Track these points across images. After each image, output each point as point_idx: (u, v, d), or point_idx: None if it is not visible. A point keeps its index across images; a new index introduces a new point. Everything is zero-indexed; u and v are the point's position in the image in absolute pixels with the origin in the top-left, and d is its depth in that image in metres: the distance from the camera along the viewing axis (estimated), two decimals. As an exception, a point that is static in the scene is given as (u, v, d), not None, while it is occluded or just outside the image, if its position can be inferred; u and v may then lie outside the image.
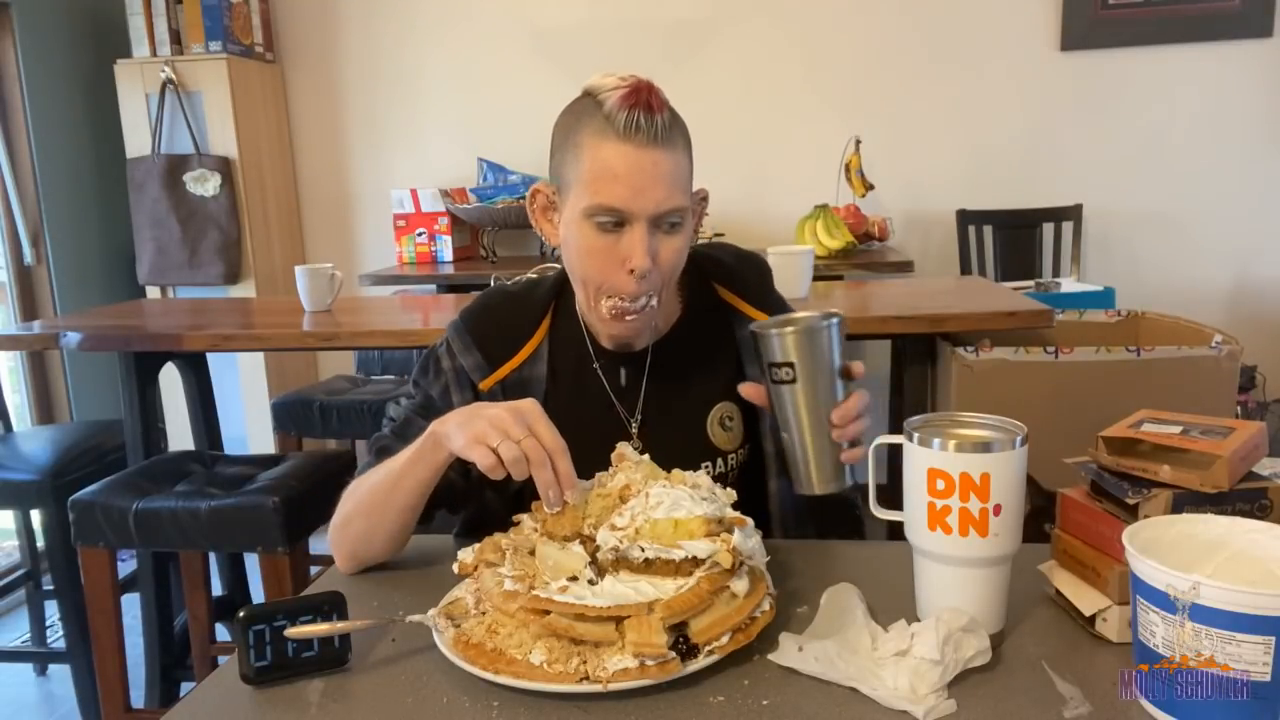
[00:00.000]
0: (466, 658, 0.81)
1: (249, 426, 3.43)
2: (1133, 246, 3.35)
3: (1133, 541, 0.74)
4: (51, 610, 2.72)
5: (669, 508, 0.86)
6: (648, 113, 1.00)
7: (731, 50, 3.45)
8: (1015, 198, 3.32)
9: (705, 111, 3.32)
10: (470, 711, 0.78)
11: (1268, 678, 0.67)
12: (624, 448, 0.99)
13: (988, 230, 3.31)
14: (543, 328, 1.17)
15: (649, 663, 0.77)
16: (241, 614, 0.83)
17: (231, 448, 2.61)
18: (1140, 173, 3.30)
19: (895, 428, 1.01)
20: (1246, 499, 0.83)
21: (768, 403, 0.99)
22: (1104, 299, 2.82)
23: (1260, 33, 3.17)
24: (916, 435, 0.83)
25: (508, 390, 1.14)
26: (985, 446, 0.81)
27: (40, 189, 3.23)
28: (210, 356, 2.56)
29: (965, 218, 3.30)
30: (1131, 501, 0.84)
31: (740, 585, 0.84)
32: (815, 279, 2.30)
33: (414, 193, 3.40)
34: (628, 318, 1.07)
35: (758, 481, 1.17)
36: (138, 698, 2.22)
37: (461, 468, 1.05)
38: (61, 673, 2.51)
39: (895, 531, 0.90)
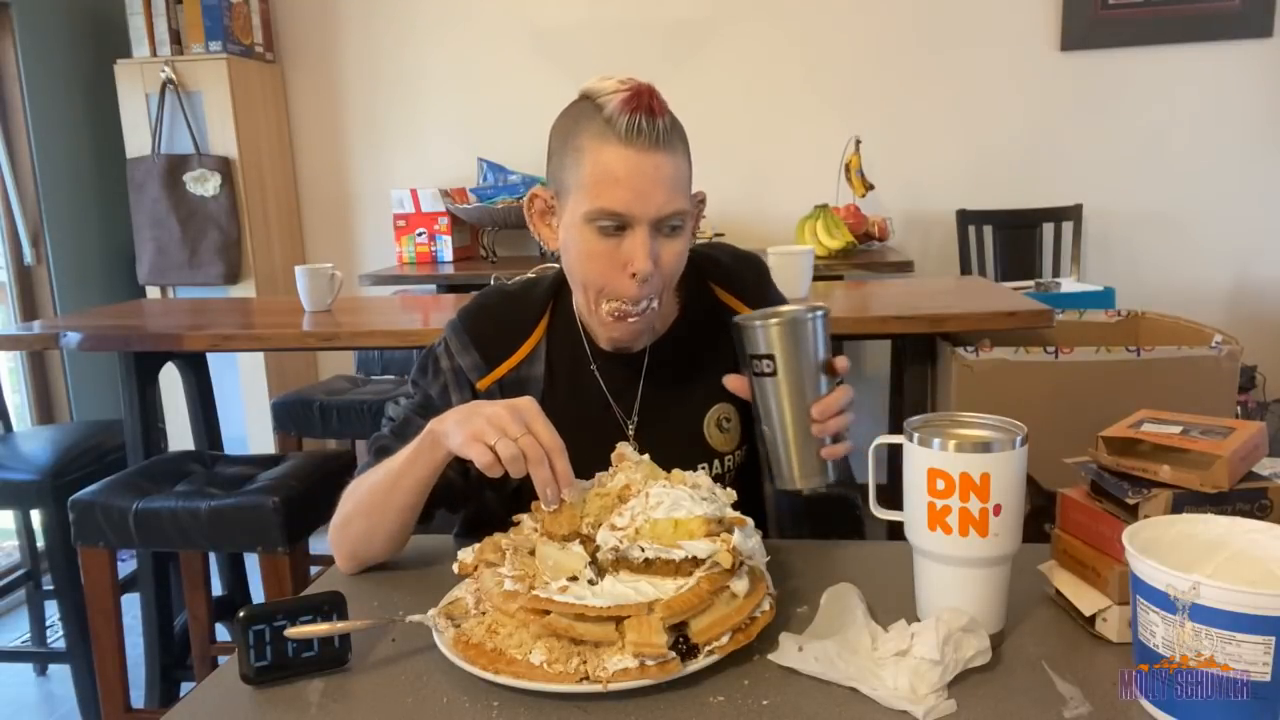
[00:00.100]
0: (466, 658, 0.81)
1: (249, 426, 3.43)
2: (1133, 246, 3.35)
3: (1133, 541, 0.74)
4: (51, 610, 2.72)
5: (669, 508, 0.86)
6: (649, 116, 1.00)
7: (731, 50, 3.45)
8: (1015, 198, 3.32)
9: (705, 111, 3.35)
10: (470, 711, 0.78)
11: (1268, 678, 0.67)
12: (624, 448, 0.98)
13: (988, 230, 3.31)
14: (540, 328, 1.17)
15: (649, 663, 0.77)
16: (241, 614, 0.83)
17: (231, 448, 2.61)
18: (1140, 173, 3.30)
19: (895, 428, 1.01)
20: (1246, 499, 0.83)
21: (750, 395, 0.99)
22: (1104, 299, 2.82)
23: (1260, 33, 3.17)
24: (916, 435, 0.83)
25: (505, 390, 1.14)
26: (985, 446, 0.81)
27: (40, 189, 3.23)
28: (210, 356, 2.56)
29: (965, 218, 3.30)
30: (1131, 501, 0.84)
31: (740, 585, 0.84)
32: (815, 279, 2.30)
33: (414, 193, 3.40)
34: (629, 320, 1.07)
35: (755, 483, 1.17)
36: (138, 698, 2.22)
37: (460, 466, 1.05)
38: (61, 673, 2.51)
39: (895, 531, 0.90)
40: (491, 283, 1.47)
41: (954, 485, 0.80)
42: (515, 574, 0.85)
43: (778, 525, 1.18)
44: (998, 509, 0.80)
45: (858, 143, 3.22)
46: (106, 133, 3.43)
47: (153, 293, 3.47)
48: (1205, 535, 0.78)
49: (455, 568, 0.94)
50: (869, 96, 3.40)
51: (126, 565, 2.49)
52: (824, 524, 1.18)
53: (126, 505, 1.85)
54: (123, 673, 2.03)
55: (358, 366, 3.25)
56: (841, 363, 0.99)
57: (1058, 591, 0.90)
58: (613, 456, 0.98)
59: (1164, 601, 0.69)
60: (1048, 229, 3.30)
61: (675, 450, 1.04)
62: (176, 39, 3.33)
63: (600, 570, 0.85)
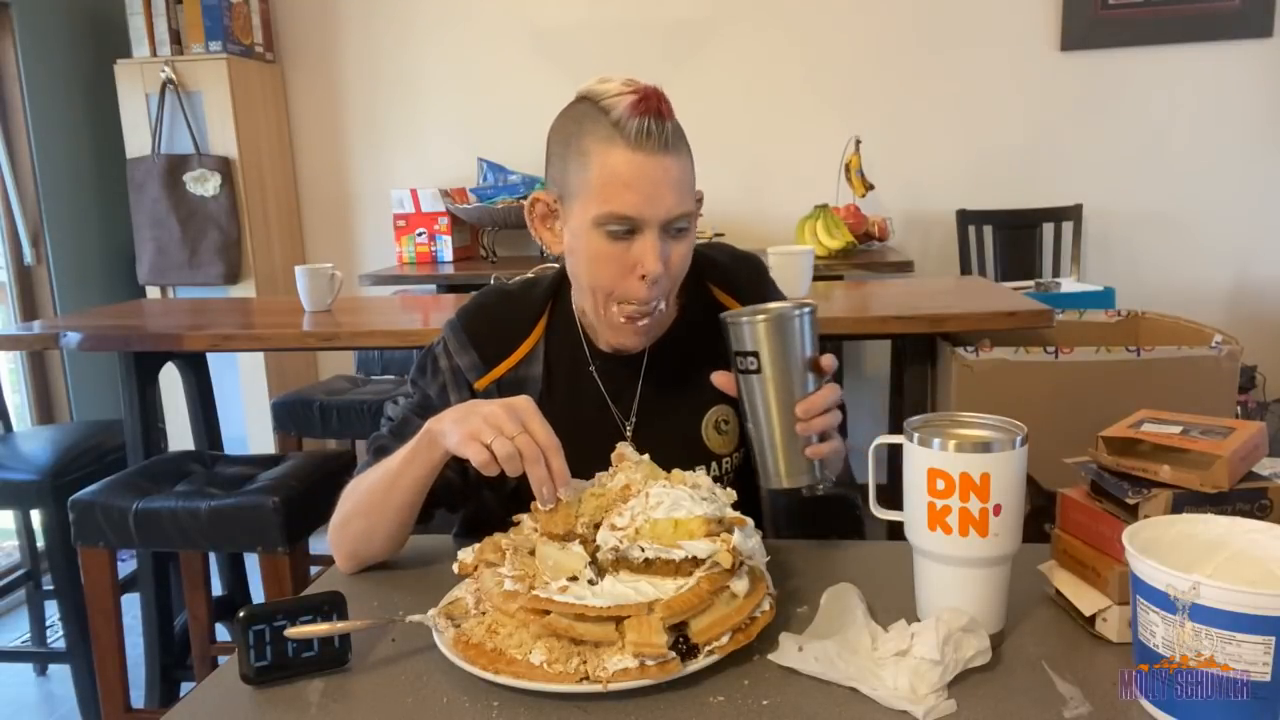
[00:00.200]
0: (466, 658, 0.81)
1: (249, 426, 3.43)
2: (1133, 246, 3.35)
3: (1133, 541, 0.74)
4: (51, 610, 2.72)
5: (669, 508, 0.86)
6: (658, 120, 0.99)
7: (731, 50, 3.45)
8: (1015, 198, 3.32)
9: (705, 111, 3.35)
10: (470, 711, 0.78)
11: (1268, 678, 0.67)
12: (624, 448, 0.98)
13: (988, 230, 3.31)
14: (539, 328, 1.17)
15: (649, 663, 0.77)
16: (241, 614, 0.83)
17: (231, 448, 2.61)
18: (1140, 173, 3.30)
19: (895, 428, 1.01)
20: (1246, 499, 0.83)
21: (737, 392, 0.99)
22: (1104, 299, 2.82)
23: (1260, 33, 3.17)
24: (916, 435, 0.83)
25: (503, 390, 1.14)
26: (985, 446, 0.81)
27: (40, 189, 3.23)
28: (210, 356, 2.56)
29: (965, 218, 3.30)
30: (1131, 501, 0.84)
31: (740, 585, 0.84)
32: (815, 279, 2.30)
33: (414, 193, 3.40)
34: (640, 322, 1.07)
35: (754, 485, 1.17)
36: (138, 698, 2.22)
37: (459, 466, 1.05)
38: (61, 673, 2.51)
39: (895, 531, 0.90)
40: (491, 283, 1.47)
41: (954, 485, 0.80)
42: (515, 574, 0.85)
43: (773, 524, 1.18)
44: (998, 509, 0.80)
45: (858, 143, 3.22)
46: (106, 133, 3.43)
47: (153, 293, 3.47)
48: (1205, 535, 0.78)
49: (455, 568, 0.94)
50: (869, 96, 3.40)
51: (126, 565, 2.49)
52: (824, 524, 1.18)
53: (126, 505, 1.85)
54: (123, 673, 2.03)
55: (358, 366, 3.25)
56: (828, 361, 0.98)
57: (1058, 591, 0.90)
58: (613, 457, 0.98)
59: (1164, 601, 0.69)
60: (1048, 229, 3.30)
61: (673, 451, 1.03)
62: (176, 39, 3.33)
63: (600, 570, 0.85)
